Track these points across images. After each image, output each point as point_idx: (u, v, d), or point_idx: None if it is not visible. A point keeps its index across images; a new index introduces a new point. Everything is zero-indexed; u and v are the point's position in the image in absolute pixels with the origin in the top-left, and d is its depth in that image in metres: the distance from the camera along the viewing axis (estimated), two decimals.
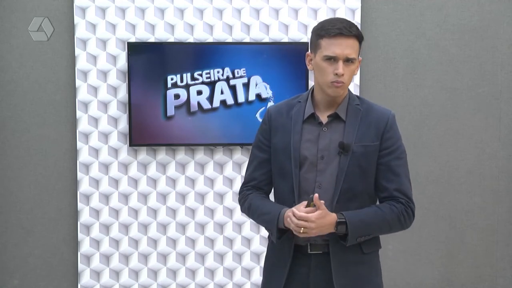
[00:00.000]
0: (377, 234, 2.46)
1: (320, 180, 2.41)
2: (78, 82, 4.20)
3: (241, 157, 4.25)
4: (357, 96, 2.52)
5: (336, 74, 2.35)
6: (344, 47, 2.35)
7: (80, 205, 4.24)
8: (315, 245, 2.44)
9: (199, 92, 4.15)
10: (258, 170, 2.57)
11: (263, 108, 4.16)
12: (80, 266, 4.27)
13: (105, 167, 4.24)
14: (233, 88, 4.16)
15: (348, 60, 2.36)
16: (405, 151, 2.47)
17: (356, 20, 4.22)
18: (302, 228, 2.31)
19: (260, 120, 4.13)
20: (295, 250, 2.46)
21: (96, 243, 4.27)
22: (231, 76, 4.15)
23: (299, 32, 4.23)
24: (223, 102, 4.16)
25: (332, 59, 2.36)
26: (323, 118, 2.46)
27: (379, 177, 2.45)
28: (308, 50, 4.09)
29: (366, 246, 2.46)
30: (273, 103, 4.12)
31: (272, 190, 2.62)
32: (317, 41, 2.41)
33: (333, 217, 2.35)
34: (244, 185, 2.63)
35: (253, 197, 2.57)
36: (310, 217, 2.30)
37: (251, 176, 2.59)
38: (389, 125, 2.44)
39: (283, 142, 2.48)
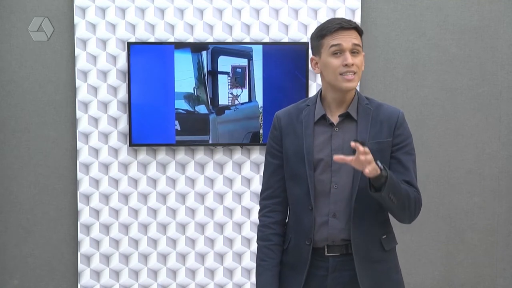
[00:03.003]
0: (400, 202, 2.38)
1: (336, 181, 2.41)
2: (78, 82, 4.20)
3: (241, 157, 4.25)
4: (365, 96, 2.53)
5: (346, 64, 2.35)
6: (348, 38, 2.37)
7: (80, 205, 4.24)
8: (332, 247, 2.44)
9: (200, 92, 4.15)
10: (274, 177, 2.55)
11: (261, 107, 4.16)
12: (80, 266, 4.27)
13: (105, 167, 4.24)
14: (232, 88, 4.16)
15: (354, 51, 2.38)
16: (414, 148, 2.50)
17: (356, 20, 4.22)
18: (362, 159, 2.23)
19: (260, 120, 4.15)
20: (312, 253, 2.45)
21: (96, 243, 4.27)
22: (231, 76, 4.15)
23: (299, 32, 4.23)
24: (223, 102, 4.16)
25: (338, 52, 2.37)
26: (334, 119, 2.46)
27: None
28: (308, 51, 4.14)
29: (386, 242, 2.50)
30: (267, 102, 4.14)
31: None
32: (319, 42, 2.42)
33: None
34: (262, 194, 2.60)
35: (262, 246, 2.55)
36: (365, 148, 2.23)
37: (268, 184, 2.57)
38: (399, 123, 2.46)
39: (295, 146, 2.47)
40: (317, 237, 2.44)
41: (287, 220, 2.58)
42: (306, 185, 2.43)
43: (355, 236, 2.42)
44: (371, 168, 2.23)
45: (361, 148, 2.21)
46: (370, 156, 2.22)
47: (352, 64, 2.35)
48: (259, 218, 2.59)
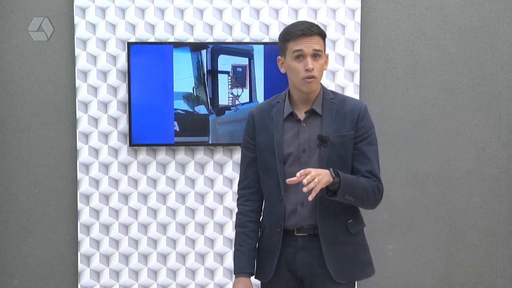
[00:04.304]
0: (358, 199, 2.58)
1: None
2: (78, 82, 4.20)
3: None
4: (331, 91, 2.74)
5: (307, 69, 2.56)
6: (310, 44, 2.57)
7: (80, 205, 4.24)
8: (301, 228, 2.66)
9: (199, 92, 4.15)
10: (250, 169, 2.77)
11: None
12: (80, 266, 4.27)
13: (105, 167, 4.24)
14: (233, 88, 4.16)
15: (315, 56, 2.58)
16: (376, 138, 2.70)
17: (356, 20, 4.22)
18: (308, 182, 2.40)
19: None
20: (284, 235, 2.67)
21: (96, 243, 4.27)
22: (231, 76, 4.15)
23: None
24: (223, 102, 4.16)
25: (300, 57, 2.57)
26: (301, 115, 2.67)
27: (352, 161, 2.66)
28: None
29: (352, 226, 2.68)
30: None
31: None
32: (284, 45, 2.63)
33: (325, 169, 2.51)
34: (239, 185, 2.83)
35: (239, 232, 2.78)
36: (306, 170, 2.43)
37: (244, 175, 2.80)
38: (362, 115, 2.65)
39: (267, 140, 2.68)
40: (287, 223, 2.66)
41: (262, 208, 2.80)
42: (277, 177, 2.65)
43: (321, 222, 2.63)
44: (318, 187, 2.42)
45: (298, 175, 2.42)
46: (311, 176, 2.40)
47: (313, 69, 2.56)
48: (237, 206, 2.82)
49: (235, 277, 2.73)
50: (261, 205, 2.80)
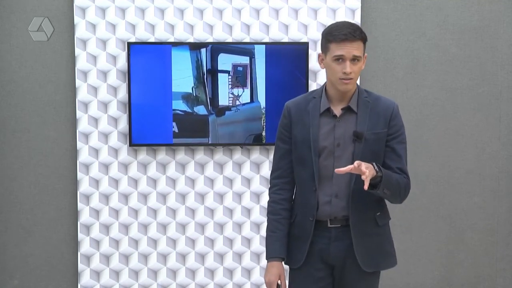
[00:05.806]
0: (393, 193, 2.70)
1: (338, 165, 2.69)
2: (78, 82, 4.20)
3: (241, 157, 4.25)
4: (364, 89, 2.83)
5: (345, 73, 2.65)
6: (350, 49, 2.65)
7: (80, 205, 4.24)
8: (335, 219, 2.77)
9: (198, 92, 4.15)
10: (283, 160, 2.86)
11: (263, 108, 4.16)
12: (80, 266, 4.27)
13: (105, 167, 4.24)
14: (233, 88, 4.15)
15: (354, 60, 2.67)
16: (406, 137, 2.82)
17: (356, 20, 4.22)
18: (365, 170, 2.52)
19: (263, 121, 4.15)
20: (315, 225, 2.77)
21: (96, 243, 4.27)
22: (231, 75, 4.15)
23: (299, 32, 4.23)
24: (223, 102, 4.16)
25: (340, 60, 2.66)
26: (337, 111, 2.77)
27: (384, 158, 2.77)
28: (308, 50, 4.15)
29: (380, 218, 2.82)
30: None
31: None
32: (326, 44, 2.71)
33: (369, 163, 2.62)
34: (272, 174, 2.92)
35: (271, 219, 2.87)
36: (355, 163, 2.53)
37: (277, 165, 2.89)
38: (394, 115, 2.78)
39: (303, 134, 2.78)
40: (320, 213, 2.77)
41: (293, 197, 2.89)
42: (312, 169, 2.75)
43: (353, 214, 2.75)
44: (369, 178, 2.54)
45: (355, 164, 2.53)
46: (363, 167, 2.52)
47: (350, 72, 2.66)
48: (269, 194, 2.90)
49: (268, 262, 2.82)
50: (292, 195, 2.89)
